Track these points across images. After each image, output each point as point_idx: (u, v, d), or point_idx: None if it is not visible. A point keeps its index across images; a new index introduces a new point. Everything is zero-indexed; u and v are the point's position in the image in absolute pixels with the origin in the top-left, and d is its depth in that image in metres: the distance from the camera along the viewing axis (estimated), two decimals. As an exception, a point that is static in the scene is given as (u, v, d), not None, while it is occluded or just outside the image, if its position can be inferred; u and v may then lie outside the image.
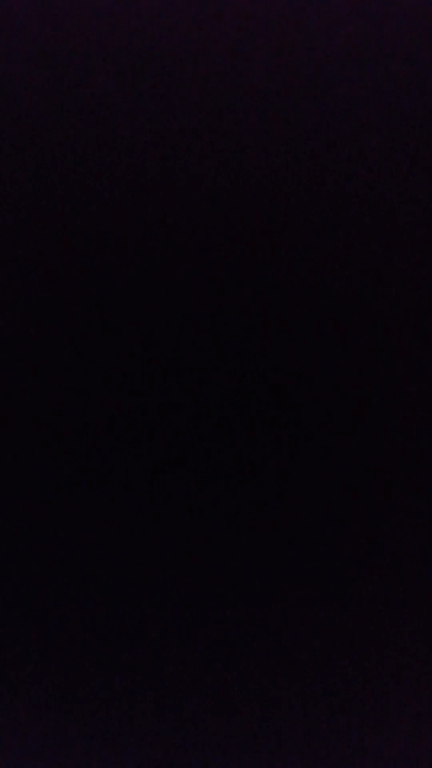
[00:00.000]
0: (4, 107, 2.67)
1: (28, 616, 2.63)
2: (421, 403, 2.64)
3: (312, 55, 2.66)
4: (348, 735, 2.62)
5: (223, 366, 2.64)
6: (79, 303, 2.66)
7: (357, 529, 2.62)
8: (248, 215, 2.66)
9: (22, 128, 2.67)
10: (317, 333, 2.64)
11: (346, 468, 2.63)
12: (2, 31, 2.68)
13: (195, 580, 2.63)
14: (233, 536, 2.63)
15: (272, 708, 2.62)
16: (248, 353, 2.64)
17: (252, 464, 2.63)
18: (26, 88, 2.67)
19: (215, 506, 2.63)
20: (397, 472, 2.63)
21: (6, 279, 2.66)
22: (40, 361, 2.65)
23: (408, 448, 2.63)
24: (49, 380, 2.65)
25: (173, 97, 2.67)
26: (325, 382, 2.64)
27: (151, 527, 2.63)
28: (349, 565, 2.62)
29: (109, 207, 2.67)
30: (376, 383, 2.64)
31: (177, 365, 2.65)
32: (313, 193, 2.66)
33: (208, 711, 2.63)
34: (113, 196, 2.67)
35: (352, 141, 2.67)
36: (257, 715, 2.62)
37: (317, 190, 2.66)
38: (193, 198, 2.66)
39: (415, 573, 2.62)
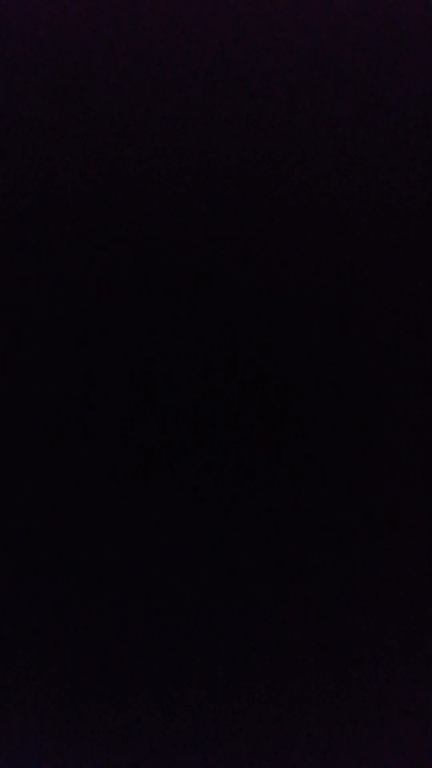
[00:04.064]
0: (4, 108, 2.68)
1: (28, 616, 2.64)
2: (422, 403, 2.63)
3: (312, 55, 2.66)
4: (348, 735, 2.62)
5: (223, 363, 2.64)
6: (79, 303, 2.66)
7: (357, 529, 2.62)
8: (248, 215, 2.66)
9: (22, 128, 2.68)
10: (317, 333, 2.64)
11: (346, 467, 2.63)
12: (2, 31, 2.68)
13: (195, 580, 2.63)
14: (233, 534, 2.63)
15: (272, 708, 2.62)
16: (248, 352, 2.64)
17: (252, 464, 2.63)
18: (26, 88, 2.68)
19: (215, 505, 2.63)
20: (398, 472, 2.63)
21: (6, 279, 2.67)
22: (40, 361, 2.66)
23: (408, 447, 2.63)
24: (49, 381, 2.66)
25: (173, 96, 2.68)
26: (325, 381, 2.64)
27: (150, 528, 2.64)
28: (349, 564, 2.62)
29: (109, 207, 2.67)
30: (376, 382, 2.64)
31: (177, 365, 2.65)
32: (313, 194, 2.66)
33: (208, 711, 2.63)
34: (113, 196, 2.67)
35: (352, 141, 2.67)
36: (257, 716, 2.63)
37: (316, 191, 2.66)
38: (193, 198, 2.66)
39: (415, 573, 2.62)
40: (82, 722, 2.64)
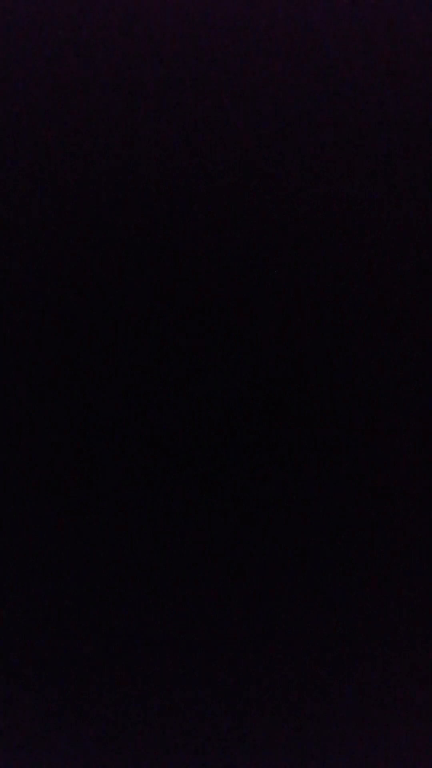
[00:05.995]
0: (4, 108, 2.67)
1: (28, 618, 2.63)
2: (421, 403, 2.65)
3: (312, 56, 2.68)
4: (348, 736, 2.62)
5: (223, 364, 2.64)
6: (78, 303, 2.66)
7: (357, 529, 2.63)
8: (247, 215, 2.66)
9: (22, 129, 2.68)
10: (317, 335, 2.65)
11: (346, 467, 2.64)
12: (2, 31, 2.68)
13: (195, 581, 2.63)
14: (233, 535, 2.63)
15: (272, 709, 2.62)
16: (247, 352, 2.64)
17: (251, 465, 2.63)
18: (26, 88, 2.68)
19: (215, 505, 2.63)
20: (397, 473, 2.64)
21: (6, 279, 2.66)
22: (40, 361, 2.65)
23: (408, 447, 2.64)
24: (49, 382, 2.65)
25: (172, 96, 2.68)
26: (325, 381, 2.64)
27: (151, 530, 2.63)
28: (349, 564, 2.63)
29: (109, 207, 2.67)
30: (376, 381, 2.65)
31: (177, 365, 2.65)
32: (312, 195, 2.67)
33: (208, 712, 2.63)
34: (112, 197, 2.67)
35: (352, 142, 2.68)
36: (257, 717, 2.63)
37: (316, 192, 2.67)
38: (193, 198, 2.67)
39: (415, 573, 2.63)
40: (82, 722, 2.63)
